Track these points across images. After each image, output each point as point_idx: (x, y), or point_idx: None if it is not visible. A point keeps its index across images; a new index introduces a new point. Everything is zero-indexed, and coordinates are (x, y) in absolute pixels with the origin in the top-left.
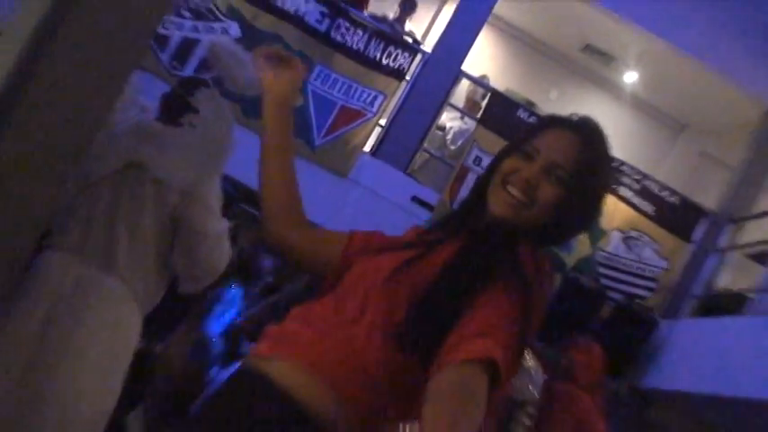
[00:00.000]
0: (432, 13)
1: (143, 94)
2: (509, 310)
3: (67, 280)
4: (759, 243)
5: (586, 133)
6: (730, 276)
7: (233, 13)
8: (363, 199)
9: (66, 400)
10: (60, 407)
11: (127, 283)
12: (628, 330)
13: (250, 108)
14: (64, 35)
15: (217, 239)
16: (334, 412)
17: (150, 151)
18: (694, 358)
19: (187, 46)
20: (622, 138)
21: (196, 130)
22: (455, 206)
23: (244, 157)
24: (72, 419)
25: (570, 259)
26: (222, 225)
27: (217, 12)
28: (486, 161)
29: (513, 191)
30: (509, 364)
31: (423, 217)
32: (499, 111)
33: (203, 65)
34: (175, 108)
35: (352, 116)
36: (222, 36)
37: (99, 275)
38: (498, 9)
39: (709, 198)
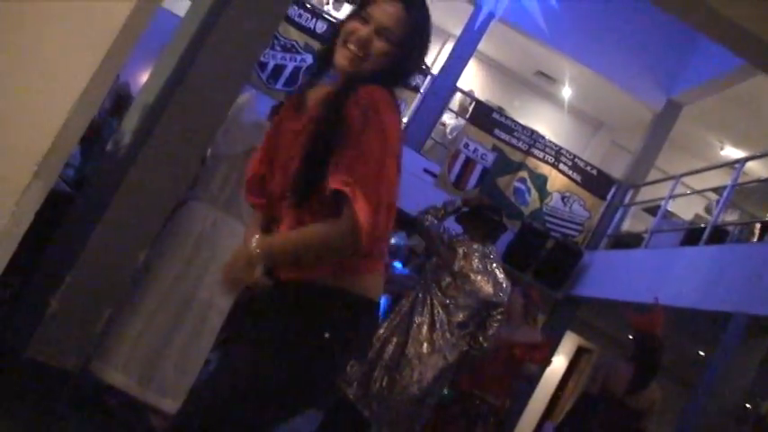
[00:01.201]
0: (438, 48)
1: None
2: (352, 152)
3: (208, 221)
4: (649, 201)
5: (408, 2)
6: (631, 223)
7: (308, 48)
8: None
9: (206, 298)
10: (203, 302)
11: (246, 225)
12: (563, 257)
13: None
14: (200, 57)
15: None
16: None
17: None
18: (607, 276)
19: (278, 69)
20: (562, 132)
21: None
22: (451, 176)
23: None
24: (210, 311)
25: (526, 210)
26: None
27: (297, 47)
28: (472, 146)
29: (352, 47)
30: (355, 185)
31: (429, 181)
32: (481, 113)
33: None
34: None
35: None
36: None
37: (229, 219)
38: (481, 47)
39: (617, 171)
